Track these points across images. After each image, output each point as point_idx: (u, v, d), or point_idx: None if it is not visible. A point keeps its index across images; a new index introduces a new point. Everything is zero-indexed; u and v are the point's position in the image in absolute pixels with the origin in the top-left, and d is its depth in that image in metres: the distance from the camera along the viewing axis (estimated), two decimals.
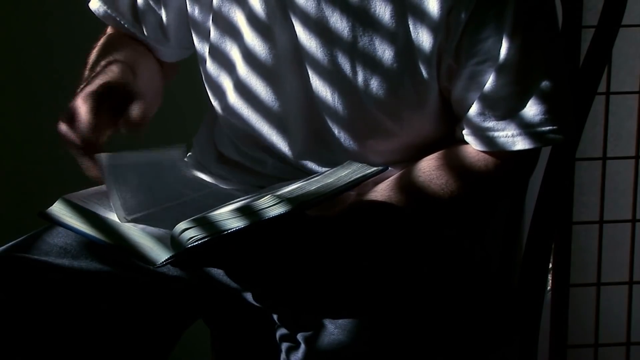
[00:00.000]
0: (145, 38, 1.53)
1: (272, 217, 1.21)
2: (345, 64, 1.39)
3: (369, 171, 1.32)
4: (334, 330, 1.27)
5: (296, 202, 1.22)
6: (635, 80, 2.08)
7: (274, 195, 1.23)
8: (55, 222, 1.31)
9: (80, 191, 1.35)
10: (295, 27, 1.40)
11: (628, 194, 2.11)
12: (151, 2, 1.51)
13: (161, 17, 1.51)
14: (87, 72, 1.46)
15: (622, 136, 2.12)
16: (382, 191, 1.37)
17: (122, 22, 1.53)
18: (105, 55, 1.47)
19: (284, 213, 1.21)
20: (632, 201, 2.10)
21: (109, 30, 1.57)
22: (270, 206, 1.22)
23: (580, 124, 1.53)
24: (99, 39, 1.56)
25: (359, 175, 1.30)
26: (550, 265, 1.94)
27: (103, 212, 1.31)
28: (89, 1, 1.57)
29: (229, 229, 1.20)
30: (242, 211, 1.22)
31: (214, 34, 1.46)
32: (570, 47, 1.55)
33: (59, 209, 1.31)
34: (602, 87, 1.94)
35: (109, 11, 1.53)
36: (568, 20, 1.53)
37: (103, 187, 1.36)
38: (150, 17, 1.52)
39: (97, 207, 1.32)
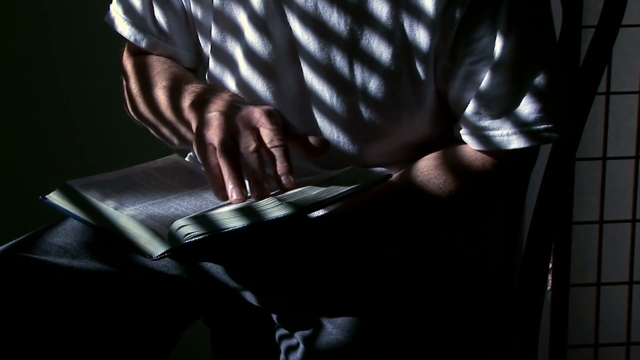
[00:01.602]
0: (173, 47, 1.51)
1: (270, 219, 1.21)
2: (343, 65, 1.39)
3: (372, 178, 1.31)
4: (332, 330, 1.27)
5: (295, 207, 1.22)
6: (635, 80, 2.09)
7: (275, 197, 1.23)
8: (54, 207, 1.31)
9: (83, 178, 1.35)
10: (292, 25, 1.40)
11: (628, 194, 2.11)
12: (171, 9, 1.49)
13: (183, 21, 1.50)
14: (167, 96, 1.44)
15: (622, 136, 2.12)
16: (380, 191, 1.36)
17: (146, 37, 1.50)
18: (170, 75, 1.46)
19: (282, 217, 1.21)
20: (632, 201, 2.10)
21: (129, 52, 1.55)
22: (270, 208, 1.22)
23: (580, 124, 1.53)
24: (123, 65, 1.54)
25: (362, 183, 1.30)
26: (550, 265, 1.94)
27: (102, 200, 1.31)
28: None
29: (227, 228, 1.20)
30: (241, 211, 1.22)
31: (215, 33, 1.46)
32: (570, 47, 1.55)
33: (59, 195, 1.31)
34: (602, 87, 1.94)
35: (137, 31, 1.50)
36: (568, 20, 1.53)
37: (104, 176, 1.36)
38: (173, 23, 1.50)
39: (98, 194, 1.32)
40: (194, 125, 1.33)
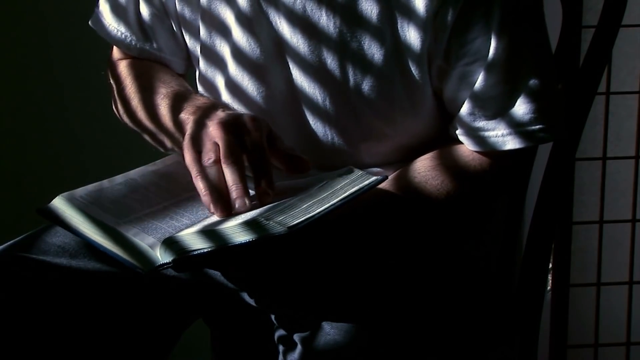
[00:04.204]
0: (157, 52, 1.51)
1: (272, 235, 1.20)
2: (335, 67, 1.39)
3: (366, 183, 1.30)
4: (330, 330, 1.27)
5: (285, 227, 1.20)
6: (635, 80, 2.09)
7: (265, 217, 1.21)
8: (52, 220, 1.30)
9: (79, 189, 1.34)
10: (280, 26, 1.39)
11: (628, 194, 2.11)
12: (157, 14, 1.49)
13: (171, 26, 1.50)
14: (161, 104, 1.43)
15: (622, 136, 2.12)
16: (378, 193, 1.36)
17: (134, 43, 1.50)
18: (159, 81, 1.46)
19: (279, 234, 1.19)
20: (632, 201, 2.10)
21: (117, 55, 1.54)
22: (268, 224, 1.20)
23: (580, 123, 1.53)
24: (113, 68, 1.53)
25: (355, 189, 1.29)
26: (550, 265, 1.94)
27: (99, 213, 1.30)
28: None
29: (230, 244, 1.19)
30: (248, 225, 1.21)
31: (203, 32, 1.45)
32: (570, 47, 1.55)
33: (56, 207, 1.30)
34: (602, 87, 1.94)
35: (124, 37, 1.50)
36: (568, 20, 1.53)
37: (101, 185, 1.35)
38: (160, 29, 1.50)
39: (94, 207, 1.31)
40: (187, 130, 1.33)
